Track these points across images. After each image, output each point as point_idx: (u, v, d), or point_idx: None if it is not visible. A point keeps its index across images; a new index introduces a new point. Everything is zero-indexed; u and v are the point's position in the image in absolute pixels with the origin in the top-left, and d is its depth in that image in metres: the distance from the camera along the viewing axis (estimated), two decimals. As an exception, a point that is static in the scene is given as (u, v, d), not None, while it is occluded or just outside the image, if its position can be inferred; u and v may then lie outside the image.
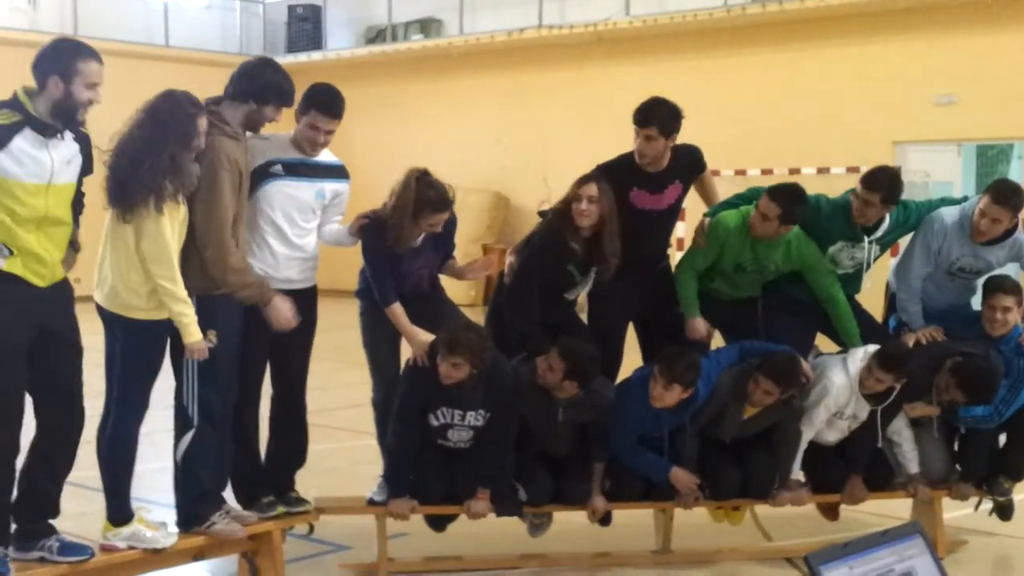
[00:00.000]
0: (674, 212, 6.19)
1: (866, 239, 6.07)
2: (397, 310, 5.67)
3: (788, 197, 5.87)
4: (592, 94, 19.33)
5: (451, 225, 5.84)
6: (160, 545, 5.09)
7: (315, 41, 23.25)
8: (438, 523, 5.98)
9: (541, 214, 6.11)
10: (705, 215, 6.17)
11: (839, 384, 5.81)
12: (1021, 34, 15.96)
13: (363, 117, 22.03)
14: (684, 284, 6.14)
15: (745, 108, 17.77)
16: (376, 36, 22.91)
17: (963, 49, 16.31)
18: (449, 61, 21.34)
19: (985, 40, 16.18)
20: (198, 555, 5.35)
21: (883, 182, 5.94)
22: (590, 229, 5.79)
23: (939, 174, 17.11)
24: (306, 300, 5.64)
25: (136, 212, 4.81)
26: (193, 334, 4.96)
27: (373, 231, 5.71)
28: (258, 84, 5.32)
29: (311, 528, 5.82)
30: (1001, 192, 5.95)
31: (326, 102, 5.49)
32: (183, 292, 4.91)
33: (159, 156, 4.82)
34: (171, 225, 4.86)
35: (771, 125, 17.51)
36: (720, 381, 5.82)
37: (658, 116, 5.85)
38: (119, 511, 5.06)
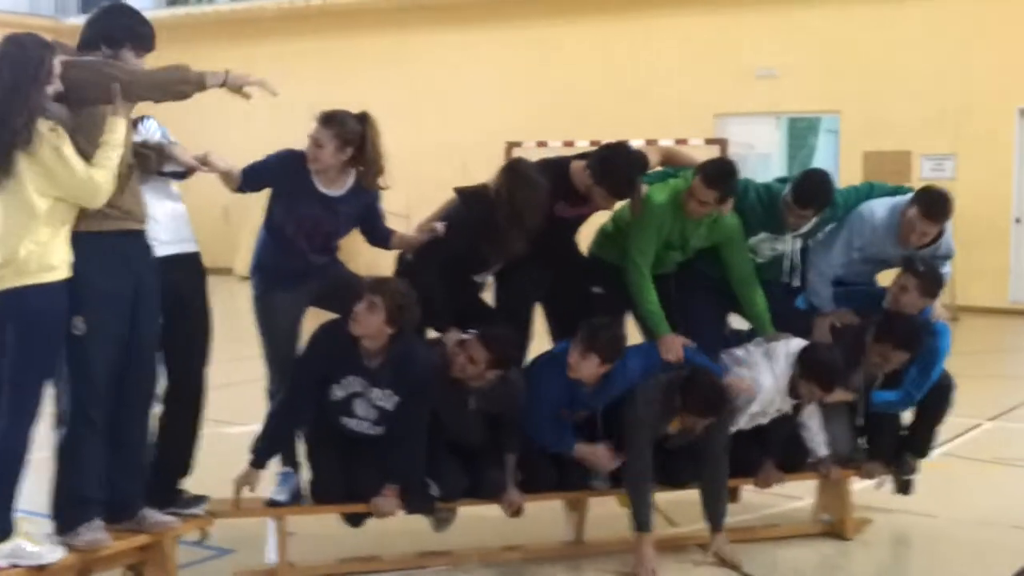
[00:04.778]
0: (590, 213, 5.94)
1: (790, 234, 5.92)
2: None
3: (723, 178, 5.67)
4: (412, 62, 18.90)
5: (373, 196, 5.47)
6: (44, 561, 4.54)
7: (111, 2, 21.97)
8: (353, 519, 5.54)
9: (460, 193, 5.72)
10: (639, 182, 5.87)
11: (767, 387, 5.68)
12: (838, 9, 16.36)
13: (166, 82, 21.00)
14: (644, 297, 5.73)
15: (571, 79, 17.66)
16: (178, -2, 21.90)
17: (783, 23, 16.62)
18: (260, 25, 20.53)
19: (803, 14, 16.53)
20: (83, 570, 4.80)
21: (816, 196, 5.80)
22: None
23: (759, 146, 17.44)
24: (191, 267, 5.18)
25: (17, 162, 4.36)
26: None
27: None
28: (108, 27, 4.85)
29: (204, 534, 5.32)
30: (932, 207, 5.84)
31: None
32: (106, 152, 4.49)
33: (23, 104, 4.35)
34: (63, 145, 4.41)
35: (597, 97, 17.46)
36: (646, 389, 5.54)
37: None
38: (0, 524, 4.48)
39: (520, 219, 5.44)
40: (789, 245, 5.97)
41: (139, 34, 4.89)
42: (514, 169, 5.59)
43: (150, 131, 5.11)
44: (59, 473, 4.74)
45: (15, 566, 4.47)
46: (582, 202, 5.78)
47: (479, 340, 5.29)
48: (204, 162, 5.11)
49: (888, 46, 16.07)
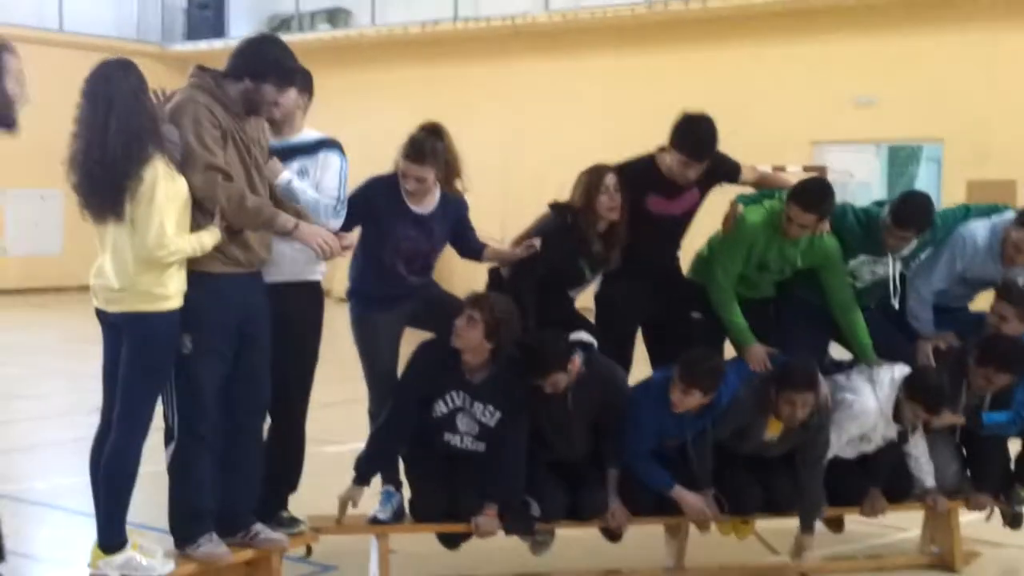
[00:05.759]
0: (689, 217, 5.91)
1: (890, 256, 5.84)
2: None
3: (819, 199, 5.61)
4: (510, 89, 19.00)
5: (462, 208, 5.53)
6: (156, 573, 4.62)
7: (216, 29, 22.51)
8: (451, 541, 5.55)
9: (552, 206, 5.75)
10: (735, 201, 5.85)
11: (869, 410, 5.60)
12: (938, 36, 16.09)
13: (268, 108, 21.39)
14: (728, 309, 5.74)
15: (669, 104, 17.26)
16: (280, 25, 22.24)
17: (883, 50, 16.37)
18: (359, 52, 20.82)
19: (904, 41, 16.28)
20: (195, 583, 4.89)
21: (916, 218, 5.70)
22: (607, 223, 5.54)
23: (859, 175, 17.22)
24: (310, 296, 5.24)
25: (125, 204, 4.43)
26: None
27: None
28: (254, 59, 4.83)
29: (309, 550, 5.40)
30: None
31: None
32: (190, 243, 4.52)
33: (150, 128, 4.45)
34: (166, 184, 4.44)
35: (695, 122, 17.39)
36: (740, 396, 5.53)
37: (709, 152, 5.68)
38: (113, 537, 4.60)
39: (590, 206, 5.49)
40: (890, 268, 5.87)
41: (284, 68, 4.86)
42: (585, 170, 5.67)
43: (328, 171, 5.14)
44: (172, 488, 4.84)
45: (127, 577, 4.57)
46: (674, 190, 5.73)
47: (532, 371, 5.26)
48: (345, 247, 5.10)
49: (993, 73, 15.76)
